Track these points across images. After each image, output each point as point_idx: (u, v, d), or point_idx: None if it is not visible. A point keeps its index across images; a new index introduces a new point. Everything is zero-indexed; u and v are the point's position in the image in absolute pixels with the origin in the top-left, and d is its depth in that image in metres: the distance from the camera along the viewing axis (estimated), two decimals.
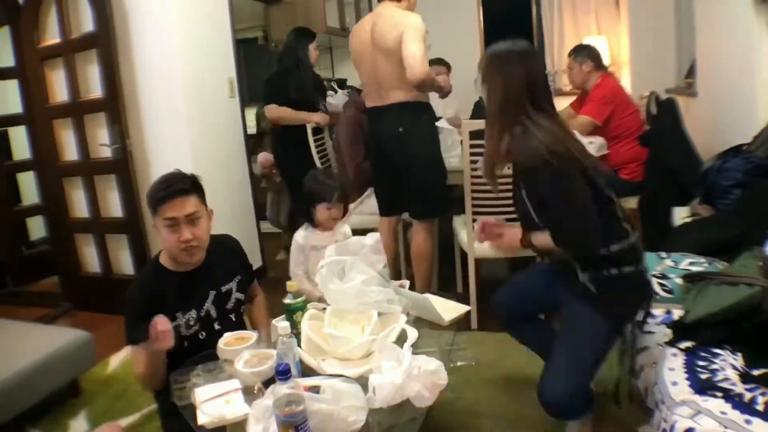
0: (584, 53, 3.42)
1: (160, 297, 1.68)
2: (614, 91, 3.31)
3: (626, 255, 1.65)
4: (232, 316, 1.84)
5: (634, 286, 1.68)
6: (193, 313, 1.74)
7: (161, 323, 1.51)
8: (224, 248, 1.86)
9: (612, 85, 3.34)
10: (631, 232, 1.66)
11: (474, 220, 2.60)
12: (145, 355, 1.60)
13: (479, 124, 2.69)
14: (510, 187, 2.63)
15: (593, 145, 3.07)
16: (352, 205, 3.34)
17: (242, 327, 1.85)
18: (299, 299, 1.65)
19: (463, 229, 2.80)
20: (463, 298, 2.37)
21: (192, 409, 1.38)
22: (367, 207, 3.30)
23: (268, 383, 1.38)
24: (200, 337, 1.75)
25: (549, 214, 1.61)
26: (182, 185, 1.67)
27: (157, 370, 1.64)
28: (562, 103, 5.31)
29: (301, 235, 2.26)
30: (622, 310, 1.67)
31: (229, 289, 1.84)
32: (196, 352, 1.66)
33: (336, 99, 4.89)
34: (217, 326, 1.78)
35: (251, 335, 1.61)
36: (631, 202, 3.22)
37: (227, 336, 1.63)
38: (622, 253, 1.63)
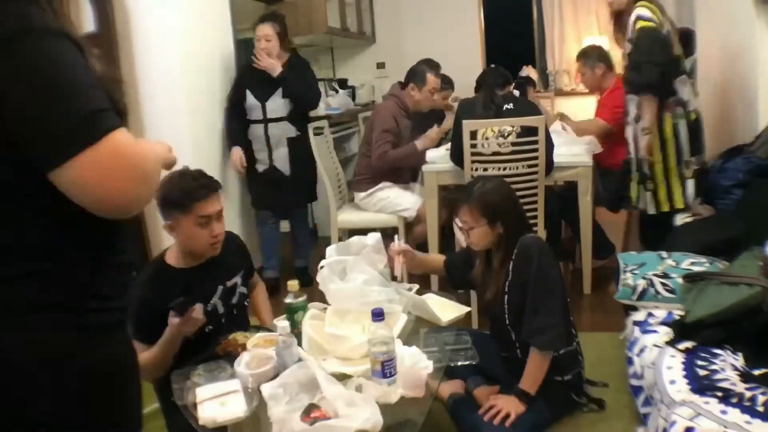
0: (595, 56, 3.38)
1: (166, 294, 1.68)
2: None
3: (570, 360, 1.81)
4: (235, 311, 1.85)
5: (566, 397, 1.83)
6: (199, 308, 1.74)
7: (199, 311, 1.60)
8: (227, 244, 1.86)
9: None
10: (574, 336, 1.85)
11: None
12: (166, 335, 1.61)
13: (479, 124, 2.69)
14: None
15: (589, 146, 3.07)
16: (361, 195, 3.34)
17: (247, 321, 1.88)
18: (300, 299, 1.65)
19: None
20: (464, 298, 2.37)
21: (192, 408, 1.39)
22: (373, 200, 3.30)
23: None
24: (207, 331, 1.75)
25: (528, 301, 1.73)
26: (214, 184, 1.74)
27: (167, 357, 1.65)
28: (562, 103, 5.33)
29: None
30: (558, 411, 1.81)
31: (235, 283, 1.85)
32: (202, 345, 1.67)
33: (337, 99, 4.90)
34: (223, 321, 1.80)
35: (277, 337, 1.58)
36: None
37: (257, 337, 1.62)
38: (567, 356, 1.80)
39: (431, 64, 3.34)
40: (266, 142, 3.32)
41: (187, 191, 1.69)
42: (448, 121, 3.55)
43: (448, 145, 3.16)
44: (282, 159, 3.35)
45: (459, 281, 2.13)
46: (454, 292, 2.62)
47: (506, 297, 1.80)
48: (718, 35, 3.22)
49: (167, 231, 1.73)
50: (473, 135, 2.69)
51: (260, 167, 3.38)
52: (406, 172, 3.47)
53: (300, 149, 3.34)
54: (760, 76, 2.68)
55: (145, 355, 1.64)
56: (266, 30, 3.27)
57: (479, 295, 2.01)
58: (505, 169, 2.68)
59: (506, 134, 2.68)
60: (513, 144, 2.67)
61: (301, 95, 3.33)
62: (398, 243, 1.98)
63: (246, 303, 1.91)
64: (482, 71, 3.17)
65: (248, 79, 3.33)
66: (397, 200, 3.27)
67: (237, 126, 3.37)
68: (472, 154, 2.70)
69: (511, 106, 2.77)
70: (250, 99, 3.30)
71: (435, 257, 2.13)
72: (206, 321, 1.74)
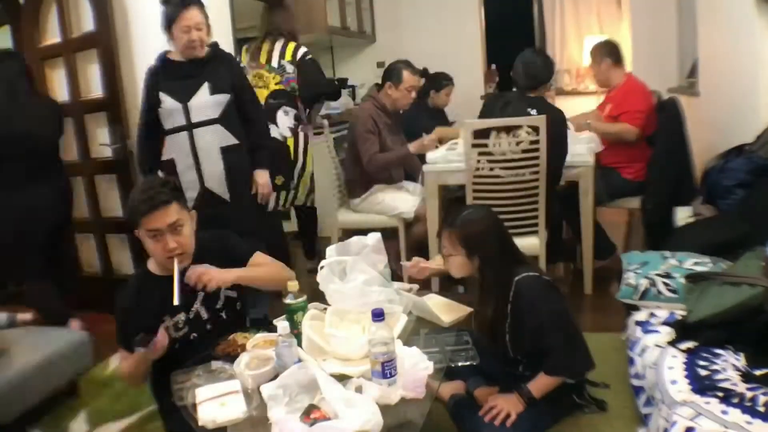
0: (602, 51, 3.31)
1: (146, 302, 1.69)
2: (642, 92, 3.22)
3: None
4: (224, 315, 1.81)
5: (567, 398, 1.79)
6: (181, 316, 1.73)
7: (163, 338, 1.58)
8: (210, 248, 1.82)
9: (638, 86, 3.24)
10: None
11: None
12: (135, 358, 1.63)
13: (481, 123, 2.68)
14: (509, 187, 2.66)
15: (591, 145, 3.05)
16: (355, 201, 3.34)
17: (238, 324, 1.81)
18: (300, 299, 1.64)
19: None
20: (465, 299, 2.37)
21: (192, 409, 1.38)
22: (369, 204, 3.30)
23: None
24: (191, 338, 1.75)
25: (546, 342, 1.66)
26: (162, 196, 1.65)
27: (139, 372, 1.70)
28: (562, 103, 5.32)
29: None
30: (559, 411, 1.78)
31: (218, 288, 1.80)
32: (188, 354, 1.65)
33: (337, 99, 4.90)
34: (208, 327, 1.77)
35: (277, 338, 1.53)
36: (633, 203, 3.21)
37: (256, 338, 1.61)
38: None
39: (408, 63, 3.31)
40: (193, 155, 2.53)
41: (133, 205, 1.67)
42: (451, 130, 3.52)
43: (449, 145, 3.15)
44: (217, 177, 2.55)
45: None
46: (455, 292, 2.62)
47: (507, 336, 1.76)
48: (720, 34, 3.22)
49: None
50: (480, 135, 2.67)
51: (189, 194, 2.46)
52: (398, 172, 3.46)
53: (242, 163, 2.62)
54: (760, 76, 2.68)
55: (125, 364, 1.70)
56: (197, 17, 2.53)
57: (476, 322, 1.97)
58: (510, 168, 2.68)
59: (518, 142, 2.65)
60: (524, 151, 2.64)
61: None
62: (406, 264, 2.00)
63: (237, 306, 1.85)
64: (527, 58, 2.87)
65: (161, 79, 2.56)
66: (392, 203, 3.26)
67: (154, 147, 2.63)
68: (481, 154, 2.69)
69: (534, 112, 2.71)
70: (168, 102, 2.51)
71: (439, 259, 2.09)
72: (187, 330, 1.74)
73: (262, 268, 1.85)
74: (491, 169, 2.69)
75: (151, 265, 1.79)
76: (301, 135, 3.37)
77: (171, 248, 1.66)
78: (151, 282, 1.75)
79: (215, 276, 1.68)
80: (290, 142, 3.32)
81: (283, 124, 3.30)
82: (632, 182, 3.17)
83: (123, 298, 1.75)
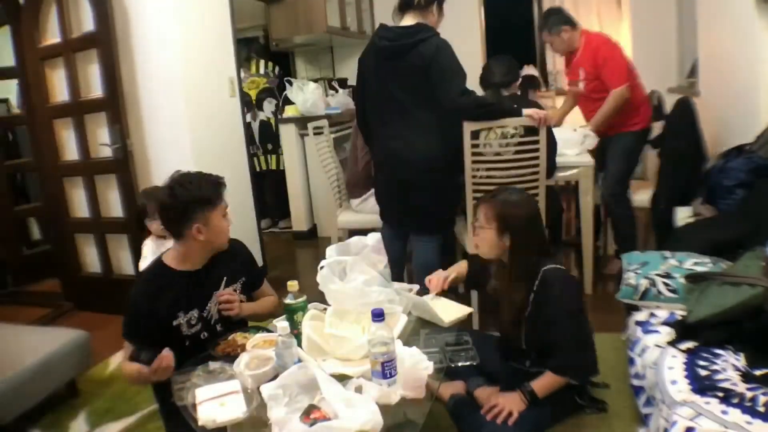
0: (555, 21, 3.18)
1: (162, 295, 1.69)
2: (608, 41, 3.15)
3: None
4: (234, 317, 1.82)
5: (568, 399, 1.78)
6: (195, 313, 1.74)
7: (167, 359, 1.54)
8: (230, 250, 1.84)
9: (601, 38, 3.17)
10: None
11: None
12: (137, 370, 1.58)
13: (479, 124, 2.67)
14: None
15: (585, 143, 3.05)
16: (355, 201, 3.33)
17: (243, 327, 1.83)
18: (300, 299, 1.64)
19: (465, 230, 2.79)
20: (465, 299, 2.37)
21: (192, 409, 1.38)
22: (369, 204, 3.30)
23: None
24: (202, 337, 1.75)
25: (557, 338, 1.67)
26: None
27: (139, 382, 1.71)
28: (561, 103, 5.32)
29: None
30: (560, 411, 1.78)
31: (233, 290, 1.83)
32: (198, 353, 1.65)
33: (337, 99, 4.90)
34: (219, 328, 1.78)
35: (277, 338, 1.55)
36: (642, 202, 3.19)
37: (256, 338, 1.62)
38: None
39: None
40: None
41: (213, 185, 1.72)
42: None
43: None
44: None
45: (473, 283, 2.11)
46: (456, 292, 2.62)
47: (525, 326, 1.77)
48: (720, 34, 3.22)
49: (194, 234, 1.68)
50: (475, 136, 2.67)
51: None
52: None
53: None
54: (760, 76, 2.68)
55: (133, 368, 1.60)
56: None
57: (500, 308, 1.97)
58: (507, 170, 2.67)
59: (509, 135, 2.65)
60: (517, 144, 2.64)
61: None
62: (438, 278, 1.94)
63: None
64: (487, 65, 3.14)
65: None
66: None
67: None
68: (474, 154, 2.69)
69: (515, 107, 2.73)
70: None
71: (461, 265, 2.08)
72: (199, 327, 1.75)
73: (264, 304, 1.95)
74: (487, 170, 2.68)
75: (170, 260, 1.77)
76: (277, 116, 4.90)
77: (230, 221, 1.78)
78: (169, 276, 1.74)
79: (241, 308, 1.81)
80: (272, 121, 4.81)
81: (267, 109, 4.84)
82: (643, 132, 3.17)
83: (139, 288, 1.73)
